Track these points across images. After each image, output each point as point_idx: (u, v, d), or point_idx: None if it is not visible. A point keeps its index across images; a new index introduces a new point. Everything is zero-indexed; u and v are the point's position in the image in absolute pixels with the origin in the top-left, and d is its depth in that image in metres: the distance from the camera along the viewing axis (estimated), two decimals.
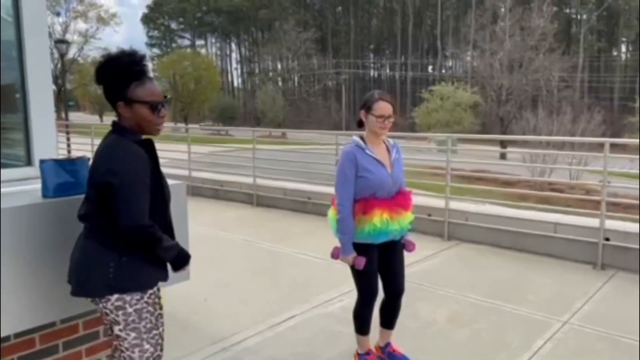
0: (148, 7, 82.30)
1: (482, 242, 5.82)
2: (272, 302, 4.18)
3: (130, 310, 1.91)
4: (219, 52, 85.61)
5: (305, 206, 7.49)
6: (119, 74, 1.87)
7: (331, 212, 2.92)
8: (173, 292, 3.81)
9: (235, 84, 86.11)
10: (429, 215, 6.17)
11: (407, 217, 2.86)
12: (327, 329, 3.69)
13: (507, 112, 31.91)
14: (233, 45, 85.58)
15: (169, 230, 2.05)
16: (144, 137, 1.98)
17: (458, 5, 66.90)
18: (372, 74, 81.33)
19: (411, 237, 3.01)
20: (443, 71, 69.90)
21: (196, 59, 56.45)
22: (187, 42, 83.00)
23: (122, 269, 1.88)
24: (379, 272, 2.95)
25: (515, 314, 3.98)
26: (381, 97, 2.79)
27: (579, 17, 63.42)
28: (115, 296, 1.90)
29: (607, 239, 5.06)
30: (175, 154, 9.63)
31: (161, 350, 2.06)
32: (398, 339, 3.58)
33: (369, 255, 2.80)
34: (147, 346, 1.97)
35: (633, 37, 62.75)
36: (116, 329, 1.95)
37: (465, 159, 15.63)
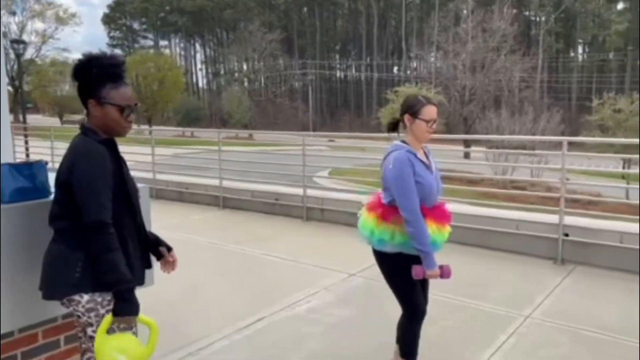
0: (109, 6, 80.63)
1: (448, 241, 5.90)
2: (240, 305, 4.14)
3: (102, 311, 1.90)
4: (183, 53, 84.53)
5: (273, 208, 7.46)
6: (97, 73, 1.91)
7: (366, 218, 2.68)
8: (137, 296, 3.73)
9: (200, 84, 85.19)
10: None
11: (448, 229, 2.68)
12: (295, 331, 3.69)
13: (470, 112, 32.62)
14: (197, 46, 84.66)
15: (138, 232, 2.05)
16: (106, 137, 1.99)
17: (422, 7, 67.94)
18: (338, 74, 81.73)
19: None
20: (408, 72, 70.77)
21: (159, 59, 55.52)
22: (150, 43, 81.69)
23: (88, 269, 1.87)
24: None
25: (480, 310, 4.06)
26: (428, 101, 2.64)
27: (537, 19, 65.27)
28: (86, 298, 1.88)
29: (567, 235, 5.22)
30: (139, 157, 9.46)
31: None
32: (368, 337, 3.61)
33: (411, 264, 2.60)
34: None
35: (589, 39, 65.03)
36: (89, 330, 1.93)
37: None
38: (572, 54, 66.49)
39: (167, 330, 3.64)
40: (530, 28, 64.38)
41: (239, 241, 6.06)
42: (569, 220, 5.32)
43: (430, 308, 4.04)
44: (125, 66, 1.99)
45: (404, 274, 2.59)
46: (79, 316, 1.94)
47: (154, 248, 2.28)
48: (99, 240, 1.82)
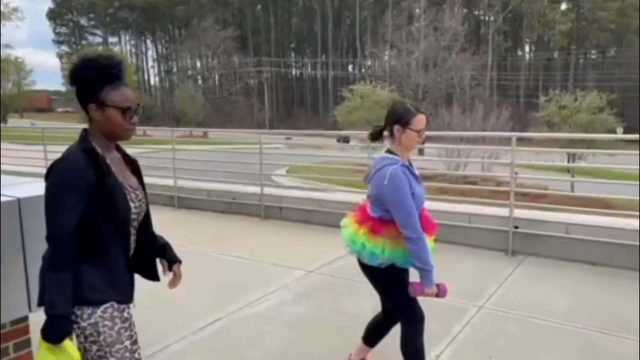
0: (54, 1, 77.67)
1: None
2: (198, 305, 4.08)
3: (84, 324, 1.82)
4: (133, 50, 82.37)
5: (230, 207, 7.39)
6: (94, 75, 1.80)
7: (355, 231, 2.61)
8: None
9: (152, 82, 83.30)
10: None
11: (432, 240, 2.63)
12: (254, 330, 3.67)
13: (423, 109, 33.26)
14: (149, 43, 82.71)
15: (127, 248, 1.94)
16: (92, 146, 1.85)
17: (375, 6, 68.67)
18: (294, 72, 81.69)
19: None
20: (363, 70, 71.52)
21: None
22: (98, 39, 79.20)
23: (85, 282, 1.79)
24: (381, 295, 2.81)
25: (435, 302, 4.09)
26: (418, 110, 2.56)
27: (487, 18, 67.18)
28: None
29: (517, 227, 5.40)
30: None
31: None
32: (327, 334, 3.64)
33: (407, 277, 2.63)
34: (111, 359, 1.88)
35: (535, 38, 67.47)
36: (79, 341, 1.86)
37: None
38: (519, 53, 68.84)
39: None
40: (479, 27, 66.24)
41: (197, 241, 5.96)
42: (519, 213, 5.51)
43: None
44: (123, 66, 1.89)
45: (400, 285, 2.57)
46: None
47: (158, 258, 2.20)
48: (48, 256, 1.74)
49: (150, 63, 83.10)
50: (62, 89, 64.79)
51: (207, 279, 4.79)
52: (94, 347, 1.85)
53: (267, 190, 7.15)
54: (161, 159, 9.89)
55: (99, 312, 1.82)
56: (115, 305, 1.85)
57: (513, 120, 27.33)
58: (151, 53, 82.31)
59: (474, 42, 51.12)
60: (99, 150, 1.83)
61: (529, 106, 51.99)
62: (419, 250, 2.42)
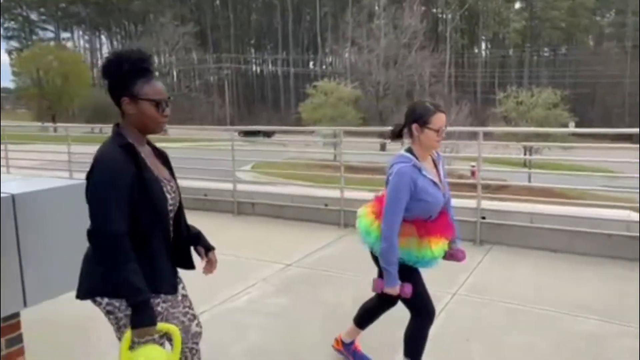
0: None
1: None
2: None
3: (120, 315, 1.87)
4: (87, 46, 79.92)
5: (202, 204, 7.38)
6: (127, 69, 1.83)
7: (365, 219, 2.65)
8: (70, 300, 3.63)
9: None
10: (326, 205, 6.42)
11: (445, 242, 2.63)
12: (237, 322, 3.74)
13: (385, 106, 33.75)
14: (104, 39, 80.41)
15: (168, 239, 1.99)
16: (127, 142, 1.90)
17: (335, 3, 68.92)
18: (254, 69, 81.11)
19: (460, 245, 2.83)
20: (324, 67, 71.70)
21: (62, 53, 52.27)
22: (50, 35, 76.37)
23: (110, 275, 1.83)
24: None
25: None
26: (438, 108, 2.49)
27: (444, 16, 68.49)
28: (106, 301, 1.86)
29: (484, 218, 5.65)
30: (51, 155, 8.95)
31: None
32: (308, 324, 3.75)
33: (416, 275, 2.62)
34: None
35: (491, 36, 69.26)
36: (113, 330, 1.93)
37: (351, 150, 16.29)
38: (476, 50, 70.55)
39: (106, 331, 3.58)
40: (437, 25, 67.47)
41: None
42: (485, 204, 5.77)
43: (367, 293, 4.27)
44: (153, 60, 1.94)
45: (409, 282, 2.56)
46: (105, 315, 1.94)
47: (193, 247, 2.26)
48: (102, 252, 1.78)
49: None
50: (11, 85, 62.23)
51: (185, 275, 4.81)
52: (118, 336, 1.91)
53: (240, 187, 7.20)
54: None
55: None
56: (150, 301, 1.86)
57: (472, 116, 28.12)
58: (106, 49, 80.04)
59: (432, 39, 52.10)
60: (136, 145, 1.87)
61: (486, 102, 53.42)
62: (385, 249, 2.45)
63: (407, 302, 2.67)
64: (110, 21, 75.61)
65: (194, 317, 2.20)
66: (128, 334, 1.77)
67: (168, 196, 1.94)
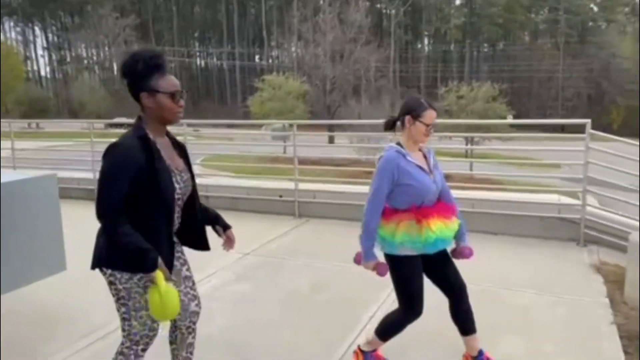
0: None
1: (329, 217, 6.43)
2: None
3: (120, 287, 2.07)
4: (20, 38, 75.93)
5: None
6: (142, 66, 2.00)
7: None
8: (39, 288, 3.68)
9: (43, 73, 77.40)
10: (280, 196, 6.60)
11: (456, 222, 2.71)
12: (202, 307, 3.86)
13: (333, 100, 34.12)
14: (37, 30, 76.62)
15: (171, 224, 2.16)
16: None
17: None
18: (198, 62, 79.70)
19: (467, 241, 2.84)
20: (270, 61, 71.39)
21: None
22: None
23: (113, 248, 2.02)
24: (434, 280, 2.82)
25: (363, 274, 4.55)
26: (430, 105, 2.65)
27: (388, 12, 69.70)
28: (109, 272, 2.06)
29: None
30: None
31: (150, 330, 2.17)
32: (270, 307, 3.93)
33: (416, 268, 2.67)
34: (134, 323, 2.13)
35: (433, 32, 71.09)
36: (106, 281, 2.11)
37: (301, 144, 16.53)
38: (419, 46, 72.24)
39: (72, 318, 3.65)
40: (382, 20, 68.55)
41: None
42: None
43: (322, 277, 4.51)
44: (165, 56, 2.10)
45: (407, 276, 2.67)
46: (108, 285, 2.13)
47: (212, 226, 2.45)
48: (105, 229, 2.01)
49: (40, 52, 77.21)
50: None
51: None
52: (122, 309, 2.10)
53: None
54: (76, 152, 9.54)
55: (135, 279, 2.06)
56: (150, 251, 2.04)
57: None
58: (40, 41, 76.42)
59: (377, 35, 52.98)
60: (151, 136, 2.05)
61: (429, 96, 54.59)
62: (365, 224, 2.62)
63: (400, 296, 2.77)
64: (45, 12, 72.15)
65: (195, 297, 2.39)
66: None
67: (177, 185, 2.12)
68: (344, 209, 6.35)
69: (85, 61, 68.59)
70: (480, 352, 2.92)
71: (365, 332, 3.31)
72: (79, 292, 4.15)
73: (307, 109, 31.63)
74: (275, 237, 5.67)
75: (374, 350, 2.98)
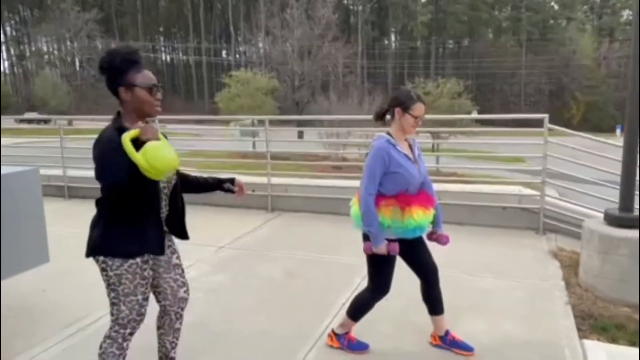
0: None
1: (301, 210, 6.60)
2: None
3: (110, 273, 2.18)
4: None
5: None
6: (120, 62, 2.10)
7: (356, 208, 2.87)
8: (15, 285, 3.72)
9: (2, 68, 74.81)
10: (253, 190, 6.71)
11: (432, 211, 2.89)
12: None
13: (301, 96, 34.20)
14: None
15: (158, 208, 2.27)
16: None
17: None
18: (163, 57, 78.49)
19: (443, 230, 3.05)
20: (237, 56, 70.87)
21: None
22: None
23: (106, 236, 2.15)
24: (409, 263, 3.01)
25: (337, 263, 4.78)
26: (419, 98, 2.81)
27: (355, 8, 70.09)
28: (101, 259, 2.16)
29: None
30: None
31: (137, 315, 2.28)
32: (247, 295, 4.07)
33: (392, 255, 2.83)
34: (122, 307, 2.24)
35: (399, 28, 71.86)
36: (99, 267, 2.23)
37: (271, 139, 16.59)
38: (386, 42, 72.91)
39: (53, 310, 3.72)
40: (349, 17, 68.91)
41: None
42: None
43: (296, 267, 4.67)
44: (140, 53, 2.20)
45: (381, 259, 2.82)
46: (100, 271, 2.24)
47: (220, 188, 2.60)
48: (110, 193, 2.11)
49: None
50: None
51: None
52: (112, 294, 2.22)
53: None
54: (43, 149, 9.42)
55: (125, 265, 2.18)
56: (140, 264, 2.19)
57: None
58: None
59: (345, 31, 53.26)
60: (130, 128, 2.12)
61: None
62: (364, 212, 2.76)
63: (370, 275, 2.95)
64: (2, 5, 69.71)
65: (184, 284, 2.51)
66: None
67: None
68: (316, 202, 6.53)
69: (47, 56, 66.66)
70: (447, 332, 3.16)
71: (339, 317, 3.49)
72: (56, 285, 4.20)
73: (276, 105, 31.65)
74: (249, 230, 5.80)
75: (347, 333, 3.16)
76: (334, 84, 39.75)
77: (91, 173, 7.61)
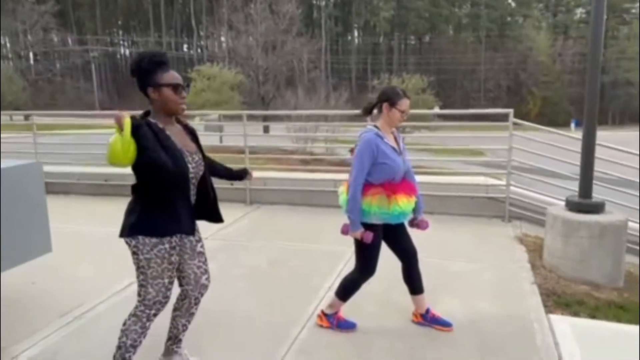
0: None
1: (279, 203, 6.78)
2: (108, 274, 4.36)
3: (141, 257, 2.34)
4: None
5: (102, 189, 7.41)
6: (147, 63, 2.25)
7: (344, 195, 3.09)
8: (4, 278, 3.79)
9: None
10: (232, 184, 6.85)
11: (414, 199, 3.13)
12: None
13: (267, 91, 34.16)
14: None
15: (189, 196, 2.45)
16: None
17: None
18: (122, 51, 76.77)
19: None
20: (199, 51, 70.01)
21: None
22: None
23: (142, 218, 2.31)
24: (391, 247, 3.26)
25: (319, 250, 5.01)
26: (405, 94, 3.06)
27: (318, 3, 70.23)
28: (133, 243, 2.32)
29: None
30: None
31: (163, 297, 2.44)
32: (236, 283, 4.24)
33: (377, 237, 3.06)
34: (150, 289, 2.40)
35: (362, 24, 72.43)
36: (130, 250, 2.38)
37: (238, 135, 16.63)
38: (349, 38, 73.38)
39: (46, 301, 3.80)
40: (312, 12, 69.00)
41: (80, 223, 6.03)
42: None
43: (280, 255, 4.86)
44: (167, 55, 2.35)
45: (374, 241, 3.04)
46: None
47: (237, 177, 2.87)
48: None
49: None
50: None
51: (105, 254, 4.99)
52: (141, 277, 2.38)
53: None
54: (19, 144, 9.27)
55: (155, 250, 2.34)
56: (168, 249, 2.35)
57: (350, 102, 29.69)
58: None
59: (309, 26, 53.40)
60: (160, 125, 2.30)
61: (360, 88, 56.08)
62: (350, 198, 2.99)
63: (358, 258, 3.20)
64: None
65: (205, 271, 2.69)
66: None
67: (189, 165, 2.38)
68: (293, 194, 6.73)
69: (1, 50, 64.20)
70: (428, 310, 3.43)
71: (326, 299, 3.71)
72: (45, 278, 4.27)
73: (241, 100, 31.56)
74: (230, 222, 5.95)
75: (336, 313, 3.39)
76: (299, 79, 39.82)
77: (64, 169, 7.67)
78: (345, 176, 6.77)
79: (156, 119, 2.34)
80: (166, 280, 2.42)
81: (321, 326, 3.40)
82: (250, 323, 3.52)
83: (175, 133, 2.40)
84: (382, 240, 3.18)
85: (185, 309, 2.71)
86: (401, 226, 3.24)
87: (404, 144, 3.24)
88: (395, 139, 3.17)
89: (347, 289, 3.32)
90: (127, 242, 2.39)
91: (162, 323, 2.74)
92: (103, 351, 3.07)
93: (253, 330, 3.42)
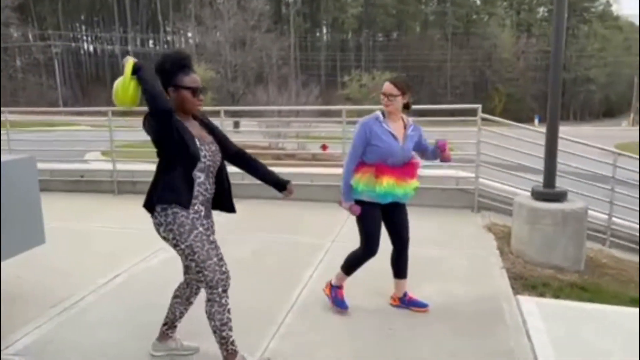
0: None
1: (258, 197, 6.90)
2: (95, 266, 4.45)
3: (182, 246, 2.45)
4: None
5: (77, 185, 7.39)
6: (169, 66, 2.38)
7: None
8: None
9: None
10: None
11: (413, 184, 3.36)
12: (157, 278, 4.22)
13: (236, 88, 34.08)
14: None
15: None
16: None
17: None
18: (86, 47, 75.01)
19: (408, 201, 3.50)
20: (165, 46, 69.02)
21: None
22: None
23: (166, 188, 2.44)
24: (387, 229, 3.49)
25: (301, 242, 5.19)
26: (388, 79, 3.35)
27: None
28: (171, 236, 2.45)
29: None
30: None
31: (221, 274, 2.57)
32: None
33: (374, 213, 3.34)
34: (206, 272, 2.50)
35: (331, 20, 72.67)
36: (171, 245, 2.49)
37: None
38: (318, 34, 73.51)
39: (33, 294, 3.87)
40: (281, 8, 68.82)
41: (60, 219, 6.01)
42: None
43: (262, 247, 5.02)
44: (191, 58, 2.48)
45: (367, 218, 3.35)
46: (156, 229, 2.55)
47: (276, 185, 3.00)
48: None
49: None
50: None
51: (89, 248, 5.09)
52: (193, 264, 2.49)
53: (120, 166, 7.36)
54: None
55: (192, 236, 2.45)
56: (203, 231, 2.48)
57: (321, 98, 29.98)
58: None
59: (278, 23, 53.30)
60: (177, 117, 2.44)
61: (330, 84, 56.35)
62: (344, 174, 3.32)
63: (360, 235, 3.46)
64: None
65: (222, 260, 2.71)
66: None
67: (205, 153, 2.51)
68: (271, 189, 6.85)
69: None
70: (405, 294, 3.68)
71: (309, 287, 3.91)
72: (29, 272, 4.32)
73: (211, 96, 31.41)
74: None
75: (340, 287, 3.64)
76: (269, 75, 39.81)
77: (40, 165, 7.50)
78: (320, 170, 6.98)
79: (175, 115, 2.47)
80: (215, 259, 2.52)
81: (325, 293, 3.70)
82: (239, 309, 3.62)
83: (192, 127, 2.54)
84: (382, 221, 3.43)
85: (185, 297, 2.84)
86: (400, 211, 3.49)
87: (417, 133, 3.40)
88: (405, 127, 3.35)
89: (351, 264, 3.55)
90: (163, 238, 2.52)
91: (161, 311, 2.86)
92: (93, 340, 3.20)
93: (239, 316, 3.55)
